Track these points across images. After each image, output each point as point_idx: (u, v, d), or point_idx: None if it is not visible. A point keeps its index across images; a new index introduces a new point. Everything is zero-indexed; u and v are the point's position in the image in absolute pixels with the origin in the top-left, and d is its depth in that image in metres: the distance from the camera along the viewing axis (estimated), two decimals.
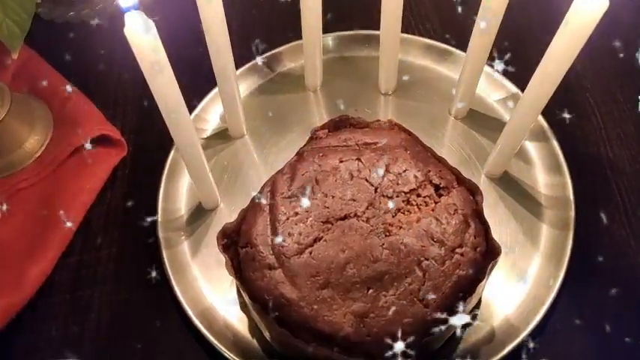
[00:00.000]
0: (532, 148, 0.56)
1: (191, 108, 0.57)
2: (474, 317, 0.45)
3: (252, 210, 0.45)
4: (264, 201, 0.44)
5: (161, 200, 0.54)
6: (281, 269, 0.41)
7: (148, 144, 0.57)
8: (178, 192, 0.55)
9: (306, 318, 0.40)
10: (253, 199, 0.45)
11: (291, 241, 0.42)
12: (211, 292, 0.49)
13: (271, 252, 0.42)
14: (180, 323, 0.48)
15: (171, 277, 0.49)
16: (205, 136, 0.58)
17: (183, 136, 0.45)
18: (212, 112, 0.59)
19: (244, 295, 0.42)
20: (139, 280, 0.50)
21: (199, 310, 0.48)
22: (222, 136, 0.58)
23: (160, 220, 0.52)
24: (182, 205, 0.54)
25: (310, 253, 0.41)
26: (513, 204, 0.52)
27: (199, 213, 0.54)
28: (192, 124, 0.45)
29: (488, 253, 0.42)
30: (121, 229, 0.53)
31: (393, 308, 0.40)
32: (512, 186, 0.53)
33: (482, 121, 0.57)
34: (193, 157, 0.47)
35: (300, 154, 0.47)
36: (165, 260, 0.50)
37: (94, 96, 0.59)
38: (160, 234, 0.52)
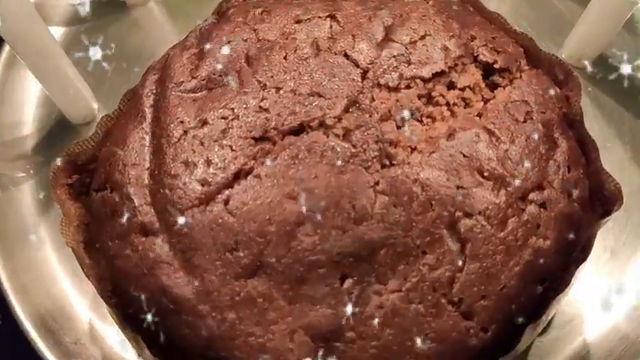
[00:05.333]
0: None
1: None
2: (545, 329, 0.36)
3: (123, 118, 0.34)
4: (145, 100, 0.33)
5: None
6: (166, 235, 0.29)
7: None
8: (22, 92, 0.44)
9: (210, 339, 0.28)
10: (126, 97, 0.35)
11: (189, 177, 0.30)
12: (73, 278, 0.39)
13: (150, 200, 0.31)
14: (14, 331, 0.37)
15: None
16: (80, 1, 0.48)
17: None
18: None
19: (93, 286, 0.31)
20: None
21: (41, 312, 0.37)
22: (110, 1, 0.47)
23: None
24: (28, 117, 0.43)
25: (226, 202, 0.29)
26: (617, 111, 0.42)
27: (60, 131, 0.43)
28: None
29: (598, 201, 0.32)
30: None
31: (397, 320, 0.28)
32: (613, 81, 0.43)
33: None
34: (27, 40, 0.36)
35: (221, 13, 0.36)
36: None
37: None
38: None
